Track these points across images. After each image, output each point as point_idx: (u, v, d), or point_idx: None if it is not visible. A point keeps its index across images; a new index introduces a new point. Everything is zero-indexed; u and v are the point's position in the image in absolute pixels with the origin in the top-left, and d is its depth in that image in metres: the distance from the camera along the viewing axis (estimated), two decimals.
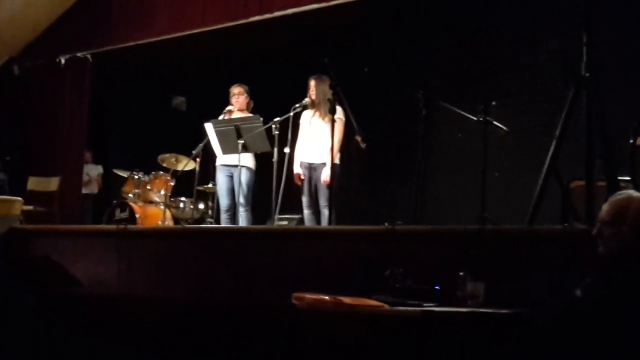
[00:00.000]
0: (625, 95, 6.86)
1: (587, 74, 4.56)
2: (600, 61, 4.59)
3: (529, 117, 7.68)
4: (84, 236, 6.39)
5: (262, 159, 7.16)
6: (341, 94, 6.12)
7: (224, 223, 7.26)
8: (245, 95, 7.40)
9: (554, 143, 4.59)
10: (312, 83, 6.85)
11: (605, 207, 3.33)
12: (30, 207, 8.63)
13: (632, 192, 3.36)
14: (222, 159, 7.24)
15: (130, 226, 6.34)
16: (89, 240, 6.24)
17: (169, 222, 8.16)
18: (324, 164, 6.62)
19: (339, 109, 6.37)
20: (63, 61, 9.67)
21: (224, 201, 7.29)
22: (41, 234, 6.62)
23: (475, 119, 6.10)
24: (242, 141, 6.67)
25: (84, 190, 9.79)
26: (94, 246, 6.13)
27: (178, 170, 8.34)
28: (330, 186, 6.29)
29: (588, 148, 4.50)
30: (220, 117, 7.20)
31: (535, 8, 7.93)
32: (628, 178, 4.98)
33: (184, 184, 8.29)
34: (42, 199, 9.07)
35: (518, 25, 8.18)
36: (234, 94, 7.38)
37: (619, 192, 3.45)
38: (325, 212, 6.58)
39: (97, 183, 10.16)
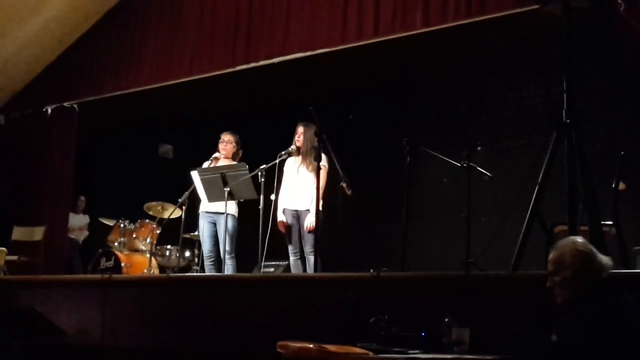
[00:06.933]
0: (608, 140, 6.95)
1: (568, 121, 4.62)
2: (580, 109, 4.65)
3: (513, 161, 7.75)
4: (69, 286, 6.35)
5: (248, 206, 7.14)
6: (326, 141, 6.15)
7: (207, 269, 7.23)
8: (234, 144, 7.35)
9: (536, 188, 4.62)
10: (300, 129, 6.86)
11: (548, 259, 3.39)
12: (14, 257, 8.58)
13: (567, 238, 3.43)
14: (206, 206, 7.20)
15: (114, 276, 6.30)
16: (74, 290, 6.19)
17: (155, 271, 8.11)
18: (309, 211, 6.63)
19: (323, 156, 6.40)
20: (49, 111, 9.66)
21: (206, 247, 7.27)
22: (25, 285, 6.57)
23: (459, 165, 6.12)
24: (228, 189, 6.67)
25: (72, 236, 9.77)
26: (79, 296, 6.09)
27: (164, 218, 8.32)
28: (315, 232, 6.30)
29: (570, 193, 4.53)
30: (206, 164, 7.20)
31: (519, 55, 8.05)
32: (610, 222, 5.02)
33: (170, 232, 8.26)
34: (27, 249, 8.97)
35: (501, 71, 8.30)
36: (223, 141, 7.36)
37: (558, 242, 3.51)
38: (310, 259, 6.55)
39: (84, 231, 10.13)
